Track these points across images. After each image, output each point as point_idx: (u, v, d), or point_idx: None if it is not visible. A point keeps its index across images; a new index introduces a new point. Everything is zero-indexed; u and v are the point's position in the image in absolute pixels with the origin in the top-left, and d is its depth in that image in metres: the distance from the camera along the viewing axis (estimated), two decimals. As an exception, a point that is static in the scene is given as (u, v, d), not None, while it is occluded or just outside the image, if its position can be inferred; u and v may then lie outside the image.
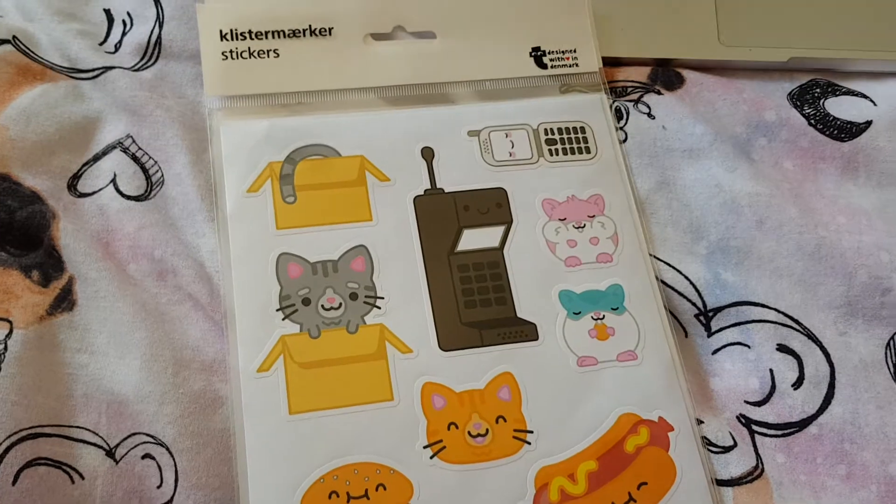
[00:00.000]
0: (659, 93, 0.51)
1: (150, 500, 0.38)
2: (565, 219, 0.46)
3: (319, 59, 0.48)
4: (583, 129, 0.49)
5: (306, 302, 0.42)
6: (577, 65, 0.50)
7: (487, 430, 0.41)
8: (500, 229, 0.45)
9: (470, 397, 0.41)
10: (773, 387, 0.44)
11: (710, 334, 0.45)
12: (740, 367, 0.45)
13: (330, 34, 0.48)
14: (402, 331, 0.42)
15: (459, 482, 0.40)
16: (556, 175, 0.47)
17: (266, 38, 0.47)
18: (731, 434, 0.43)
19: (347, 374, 0.41)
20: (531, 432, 0.41)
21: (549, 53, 0.50)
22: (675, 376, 0.43)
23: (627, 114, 0.50)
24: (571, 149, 0.48)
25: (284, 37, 0.48)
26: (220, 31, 0.47)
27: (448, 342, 0.42)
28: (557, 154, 0.48)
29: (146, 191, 0.45)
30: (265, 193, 0.44)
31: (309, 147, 0.46)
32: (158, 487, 0.39)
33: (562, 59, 0.50)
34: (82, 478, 0.38)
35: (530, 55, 0.50)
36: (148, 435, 0.39)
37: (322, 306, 0.42)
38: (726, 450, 0.43)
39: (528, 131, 0.48)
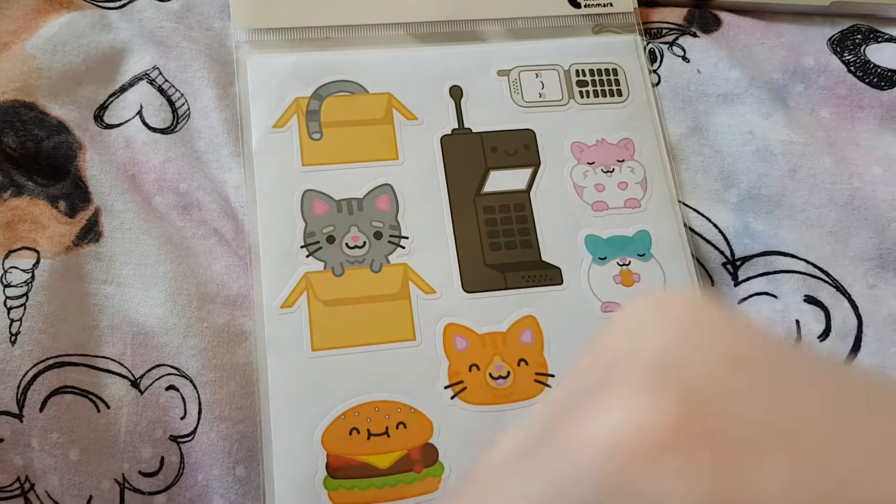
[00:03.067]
0: (695, 35, 0.51)
1: (174, 431, 0.40)
2: (594, 162, 0.46)
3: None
4: (615, 72, 0.48)
5: (331, 239, 0.43)
6: (611, 4, 0.50)
7: (509, 373, 0.41)
8: (528, 171, 0.46)
9: (492, 339, 0.42)
10: (799, 338, 0.44)
11: (736, 283, 0.46)
12: (766, 318, 0.45)
13: None
14: (426, 271, 0.43)
15: (480, 423, 0.40)
16: (587, 118, 0.47)
17: None
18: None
19: (370, 313, 0.42)
20: (552, 376, 0.42)
21: None
22: None
23: (661, 56, 0.50)
24: (603, 91, 0.48)
25: None
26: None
27: (471, 284, 0.43)
28: (588, 96, 0.48)
29: (172, 123, 0.45)
30: (291, 129, 0.45)
31: (336, 83, 0.46)
32: (182, 419, 0.40)
33: None
34: (108, 407, 0.39)
35: None
36: (172, 367, 0.40)
37: (346, 244, 0.43)
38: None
39: (560, 72, 0.48)
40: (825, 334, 0.44)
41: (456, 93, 0.47)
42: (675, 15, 0.51)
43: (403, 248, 0.43)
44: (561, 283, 0.43)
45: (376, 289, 0.42)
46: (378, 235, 0.43)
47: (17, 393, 0.38)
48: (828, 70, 0.50)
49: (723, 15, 0.51)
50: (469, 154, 0.45)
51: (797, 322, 0.45)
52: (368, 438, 0.40)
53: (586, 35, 0.50)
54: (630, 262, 0.44)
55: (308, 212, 0.43)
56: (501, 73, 0.47)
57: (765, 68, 0.50)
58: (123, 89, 0.46)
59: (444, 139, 0.46)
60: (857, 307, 0.45)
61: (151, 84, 0.46)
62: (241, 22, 0.47)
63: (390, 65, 0.47)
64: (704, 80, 0.49)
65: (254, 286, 0.42)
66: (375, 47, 0.47)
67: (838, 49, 0.51)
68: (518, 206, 0.45)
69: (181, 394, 0.40)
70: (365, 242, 0.43)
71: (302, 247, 0.42)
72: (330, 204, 0.43)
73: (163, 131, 0.45)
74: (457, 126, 0.46)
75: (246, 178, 0.44)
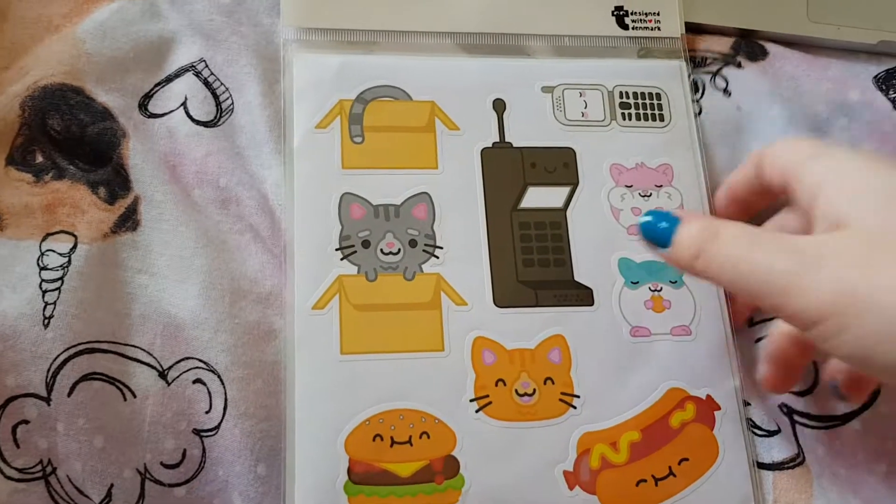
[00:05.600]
0: (740, 65, 0.50)
1: (198, 424, 0.39)
2: (632, 186, 0.45)
3: (399, -2, 0.47)
4: (658, 96, 0.48)
5: (366, 244, 0.42)
6: (658, 28, 0.49)
7: (535, 391, 0.41)
8: (566, 190, 0.45)
9: (520, 356, 0.41)
10: (817, 379, 0.44)
11: (754, 322, 0.45)
12: None
13: None
14: (459, 283, 0.42)
15: (503, 439, 0.40)
16: (627, 140, 0.46)
17: None
18: (775, 420, 0.43)
19: (401, 321, 0.41)
20: (578, 397, 0.41)
21: (631, 14, 0.49)
22: (727, 356, 0.43)
23: (703, 88, 0.49)
24: (645, 115, 0.47)
25: None
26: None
27: (503, 299, 0.42)
28: (630, 119, 0.47)
29: (215, 117, 0.45)
30: (333, 131, 0.44)
31: (381, 88, 0.45)
32: (207, 413, 0.39)
33: (644, 21, 0.49)
34: (134, 396, 0.39)
35: (612, 14, 0.49)
36: (200, 360, 0.40)
37: (381, 250, 0.42)
38: (770, 434, 0.42)
39: (603, 92, 0.47)
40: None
41: (499, 106, 0.46)
42: (722, 44, 0.50)
43: (437, 257, 0.43)
44: (592, 304, 0.43)
45: (408, 297, 0.42)
46: (413, 243, 0.43)
47: (47, 376, 0.38)
48: (873, 106, 0.49)
49: (769, 46, 0.51)
50: (508, 168, 0.45)
51: (814, 364, 0.44)
52: (391, 446, 0.39)
53: (631, 57, 0.49)
54: (662, 287, 0.44)
55: (345, 215, 0.43)
56: (546, 89, 0.47)
57: (809, 100, 0.49)
58: (169, 79, 0.45)
59: (484, 151, 0.45)
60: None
61: (197, 76, 0.46)
62: (291, 20, 0.46)
63: (435, 73, 0.46)
64: (743, 117, 0.48)
65: (286, 285, 0.41)
66: (422, 55, 0.47)
67: (884, 87, 0.50)
68: (554, 224, 0.44)
69: (207, 388, 0.39)
70: (400, 249, 0.42)
71: (337, 249, 0.42)
72: (367, 209, 0.43)
73: (206, 124, 0.44)
74: (498, 139, 0.45)
75: (286, 176, 0.43)
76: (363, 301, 0.41)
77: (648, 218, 0.38)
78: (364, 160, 0.44)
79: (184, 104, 0.45)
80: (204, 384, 0.39)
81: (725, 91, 0.49)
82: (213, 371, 0.40)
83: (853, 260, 0.32)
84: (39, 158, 0.42)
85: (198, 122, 0.44)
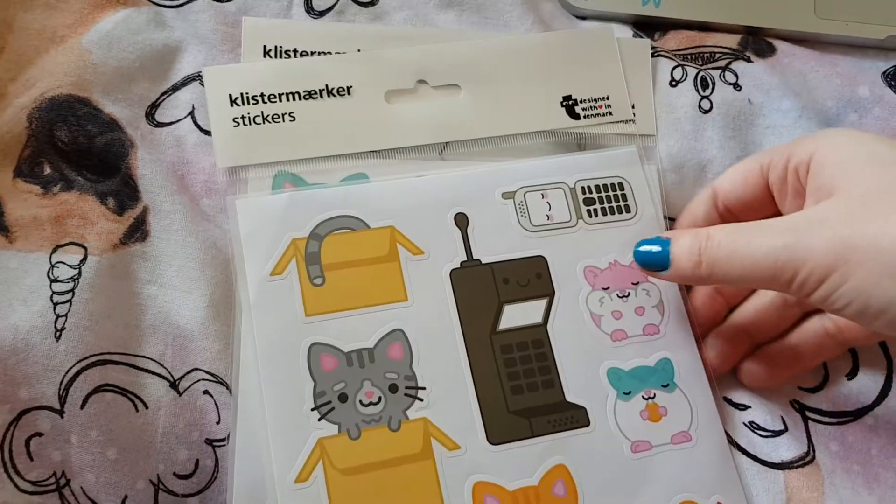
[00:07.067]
0: (749, 60, 0.50)
1: (210, 434, 0.40)
2: (608, 287, 0.43)
3: (338, 121, 0.45)
4: (621, 186, 0.45)
5: (343, 398, 0.39)
6: (610, 113, 0.47)
7: None
8: (543, 303, 0.43)
9: (524, 495, 0.39)
10: (826, 375, 0.44)
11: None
12: None
13: (349, 93, 0.45)
14: (448, 424, 0.40)
15: None
16: (597, 239, 0.44)
17: (280, 100, 0.44)
18: (782, 418, 0.43)
19: (393, 479, 0.38)
20: None
21: (581, 102, 0.47)
22: (729, 455, 0.42)
23: (713, 84, 0.49)
24: (611, 208, 0.45)
25: (300, 98, 0.44)
26: (230, 96, 0.44)
27: (497, 434, 0.40)
28: (597, 215, 0.45)
29: (222, 126, 0.45)
30: (290, 276, 0.41)
31: (334, 219, 0.42)
32: (217, 424, 0.40)
33: (594, 107, 0.47)
34: (146, 407, 0.39)
35: (561, 105, 0.47)
36: (209, 373, 0.40)
37: (360, 402, 0.39)
38: (776, 433, 0.42)
39: (566, 190, 0.45)
40: (853, 373, 0.44)
41: (461, 221, 0.43)
42: (730, 40, 0.50)
43: (421, 399, 0.40)
44: (588, 424, 0.41)
45: (397, 450, 0.39)
46: (393, 388, 0.40)
47: (60, 389, 0.38)
48: (883, 101, 0.49)
49: (776, 43, 0.51)
50: (481, 288, 0.42)
51: (824, 364, 0.44)
52: None
53: (588, 148, 0.47)
54: (655, 394, 0.42)
55: (316, 368, 0.39)
56: (506, 195, 0.44)
57: (818, 96, 0.49)
58: (175, 88, 0.46)
59: (453, 273, 0.42)
60: (886, 347, 0.44)
61: (203, 85, 0.45)
62: (227, 160, 0.43)
63: (390, 195, 0.43)
64: (755, 111, 0.48)
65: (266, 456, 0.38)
66: (375, 179, 0.44)
67: (892, 83, 0.50)
68: (536, 343, 0.42)
69: (215, 400, 0.40)
70: (380, 398, 0.40)
71: (313, 409, 0.39)
72: (339, 357, 0.40)
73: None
74: (465, 258, 0.43)
75: (243, 334, 0.40)
76: (349, 464, 0.38)
77: (640, 248, 0.41)
78: (328, 303, 0.41)
79: (191, 113, 0.45)
80: (211, 396, 0.40)
81: (735, 86, 0.49)
82: (222, 383, 0.40)
83: (847, 217, 0.34)
84: (47, 170, 0.43)
85: (206, 132, 0.45)
